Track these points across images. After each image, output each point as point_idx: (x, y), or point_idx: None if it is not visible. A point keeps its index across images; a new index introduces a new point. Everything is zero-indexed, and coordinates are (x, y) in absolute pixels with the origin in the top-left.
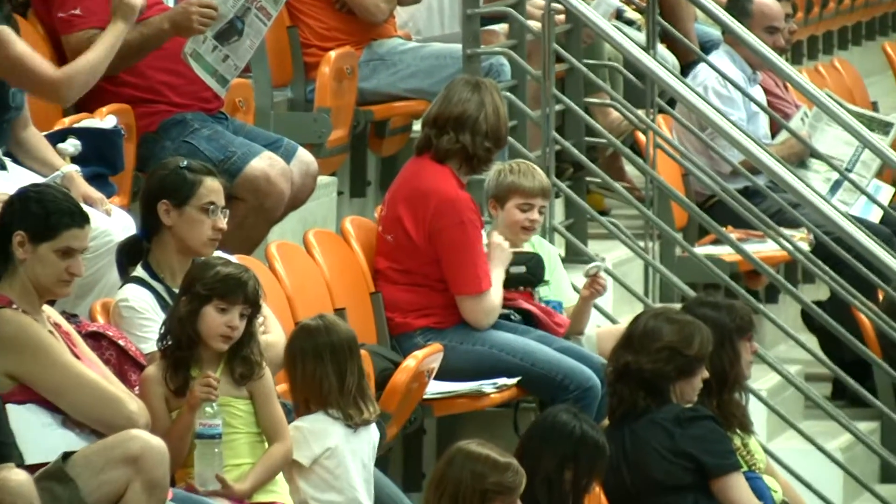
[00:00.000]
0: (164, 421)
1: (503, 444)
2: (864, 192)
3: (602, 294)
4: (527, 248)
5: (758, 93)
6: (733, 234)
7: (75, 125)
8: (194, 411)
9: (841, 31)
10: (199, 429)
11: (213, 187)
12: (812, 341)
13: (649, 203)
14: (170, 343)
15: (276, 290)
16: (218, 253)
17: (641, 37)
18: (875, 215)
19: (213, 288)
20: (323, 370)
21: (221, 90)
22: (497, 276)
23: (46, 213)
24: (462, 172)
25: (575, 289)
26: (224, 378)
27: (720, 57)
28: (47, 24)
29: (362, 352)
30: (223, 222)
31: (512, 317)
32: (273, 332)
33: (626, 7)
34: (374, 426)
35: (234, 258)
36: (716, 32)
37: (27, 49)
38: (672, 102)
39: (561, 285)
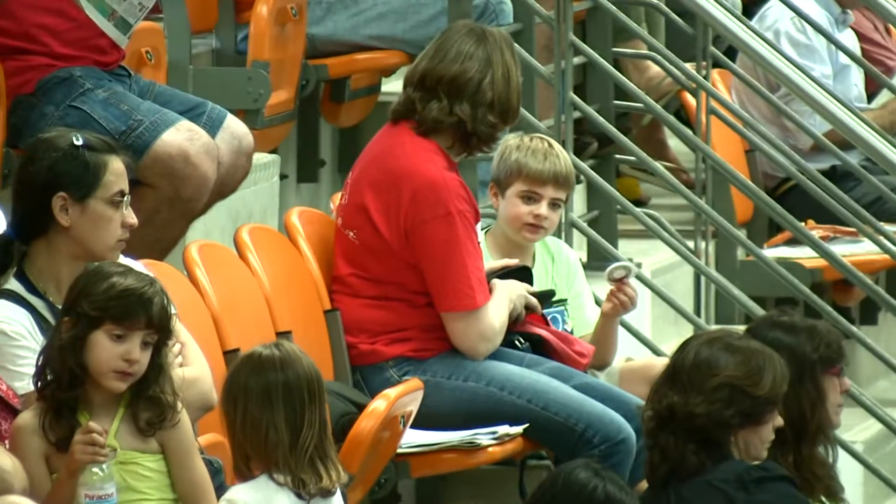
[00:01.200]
0: (42, 485)
1: None
2: None
3: (631, 308)
4: (537, 252)
5: (849, 39)
6: (815, 232)
7: None
8: (74, 477)
9: None
10: (84, 501)
11: (119, 170)
12: None
13: (701, 189)
14: (49, 381)
15: (197, 307)
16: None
17: None
18: None
19: (105, 307)
20: (270, 417)
21: (122, 38)
22: (500, 295)
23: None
24: (453, 151)
25: (598, 303)
26: (126, 427)
27: None
28: None
29: None
30: (133, 217)
31: (518, 343)
32: (193, 365)
33: None
34: (338, 497)
35: (139, 265)
36: None
37: None
38: (732, 53)
39: (582, 307)
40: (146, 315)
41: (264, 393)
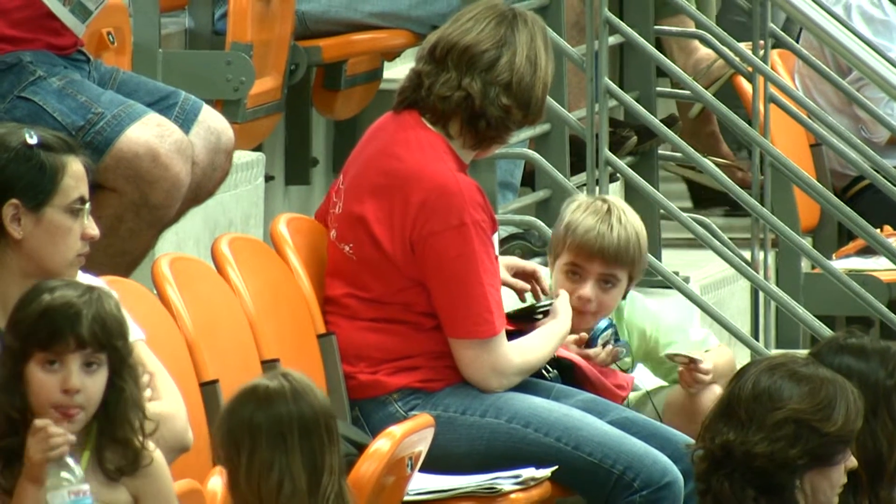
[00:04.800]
0: None
1: None
2: None
3: (703, 387)
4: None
5: None
6: (893, 239)
7: None
8: (39, 483)
9: None
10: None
11: (79, 173)
12: None
13: (759, 191)
14: None
15: (169, 332)
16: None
17: None
18: None
19: (29, 336)
20: (285, 461)
21: (79, 25)
22: (549, 331)
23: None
24: (463, 144)
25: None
26: (92, 475)
27: None
28: None
29: None
30: (95, 228)
31: (544, 372)
32: (165, 399)
33: None
34: None
35: (100, 282)
36: None
37: None
38: (795, 31)
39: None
40: (73, 333)
41: (276, 431)
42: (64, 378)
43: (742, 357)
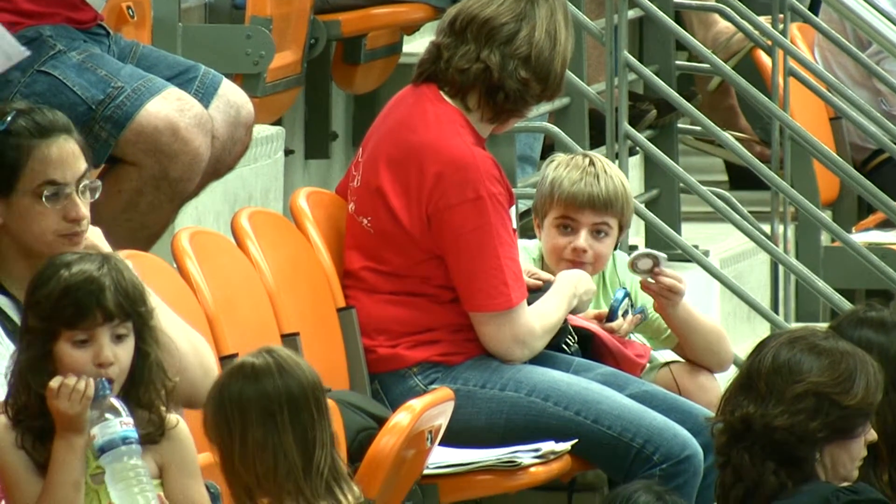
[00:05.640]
0: (26, 489)
1: None
2: None
3: (680, 294)
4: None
5: None
6: None
7: None
8: (81, 431)
9: None
10: (99, 441)
11: (50, 156)
12: None
13: (778, 164)
14: (22, 405)
15: (189, 306)
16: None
17: None
18: None
19: (53, 315)
20: (277, 438)
21: (100, 2)
22: (558, 291)
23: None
24: (481, 117)
25: None
26: None
27: None
28: None
29: (329, 404)
30: (83, 208)
31: (565, 346)
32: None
33: None
34: None
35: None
36: None
37: None
38: (815, 5)
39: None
40: (99, 307)
41: (265, 407)
42: (96, 352)
43: (762, 330)
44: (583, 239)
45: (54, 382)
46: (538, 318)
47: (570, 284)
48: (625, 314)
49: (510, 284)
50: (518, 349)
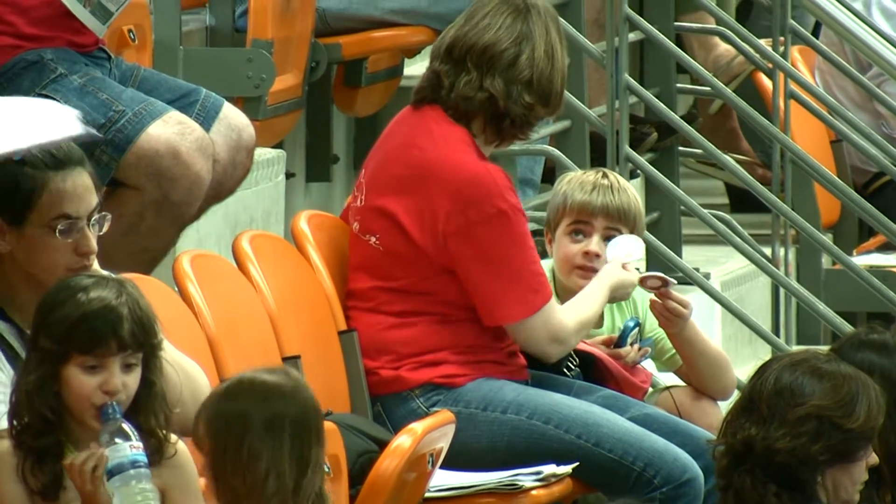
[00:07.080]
0: None
1: None
2: None
3: (681, 322)
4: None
5: None
6: None
7: None
8: (95, 481)
9: None
10: (108, 464)
11: (66, 190)
12: None
13: (779, 187)
14: (24, 425)
15: (190, 329)
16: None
17: None
18: None
19: (67, 339)
20: (273, 454)
21: (100, 27)
22: (595, 287)
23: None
24: (484, 139)
25: None
26: None
27: None
28: None
29: (327, 426)
30: (91, 243)
31: (566, 370)
32: (185, 358)
33: None
34: None
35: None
36: None
37: None
38: (815, 28)
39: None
40: (115, 337)
41: (270, 426)
42: (105, 379)
43: (763, 354)
44: (595, 244)
45: (68, 462)
46: (572, 315)
47: (607, 277)
48: (633, 343)
49: (537, 289)
50: (555, 347)
